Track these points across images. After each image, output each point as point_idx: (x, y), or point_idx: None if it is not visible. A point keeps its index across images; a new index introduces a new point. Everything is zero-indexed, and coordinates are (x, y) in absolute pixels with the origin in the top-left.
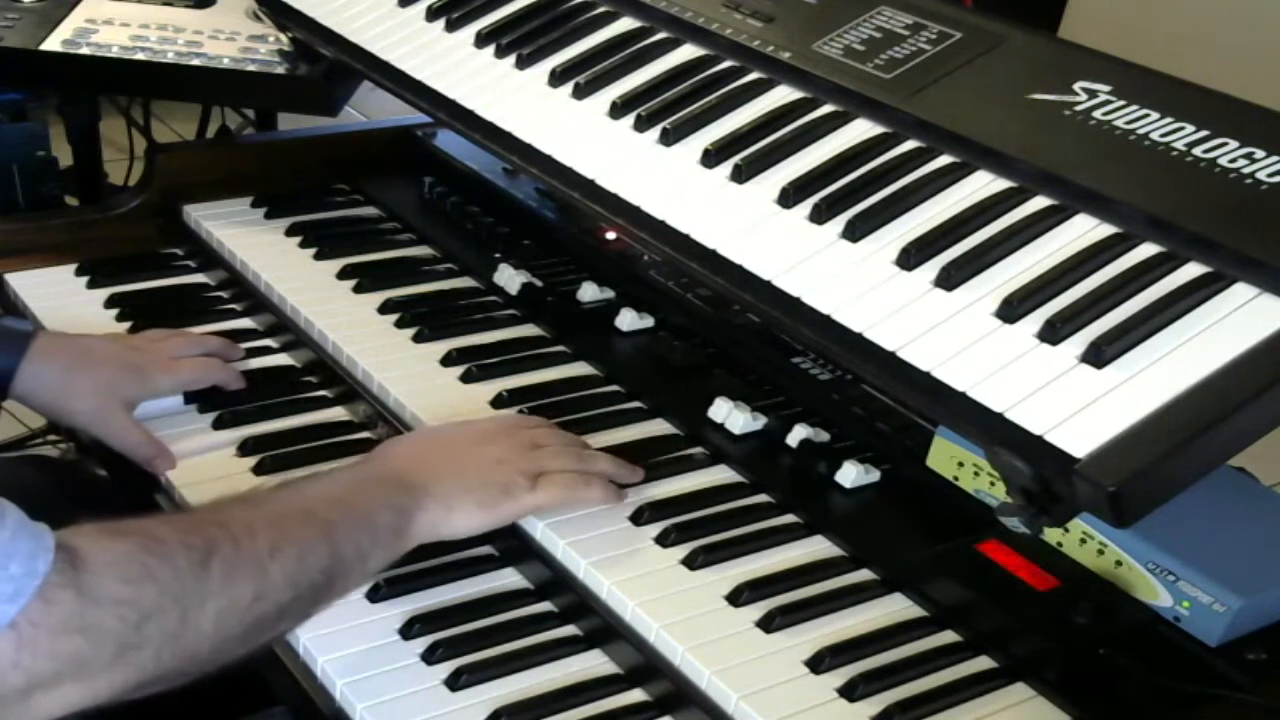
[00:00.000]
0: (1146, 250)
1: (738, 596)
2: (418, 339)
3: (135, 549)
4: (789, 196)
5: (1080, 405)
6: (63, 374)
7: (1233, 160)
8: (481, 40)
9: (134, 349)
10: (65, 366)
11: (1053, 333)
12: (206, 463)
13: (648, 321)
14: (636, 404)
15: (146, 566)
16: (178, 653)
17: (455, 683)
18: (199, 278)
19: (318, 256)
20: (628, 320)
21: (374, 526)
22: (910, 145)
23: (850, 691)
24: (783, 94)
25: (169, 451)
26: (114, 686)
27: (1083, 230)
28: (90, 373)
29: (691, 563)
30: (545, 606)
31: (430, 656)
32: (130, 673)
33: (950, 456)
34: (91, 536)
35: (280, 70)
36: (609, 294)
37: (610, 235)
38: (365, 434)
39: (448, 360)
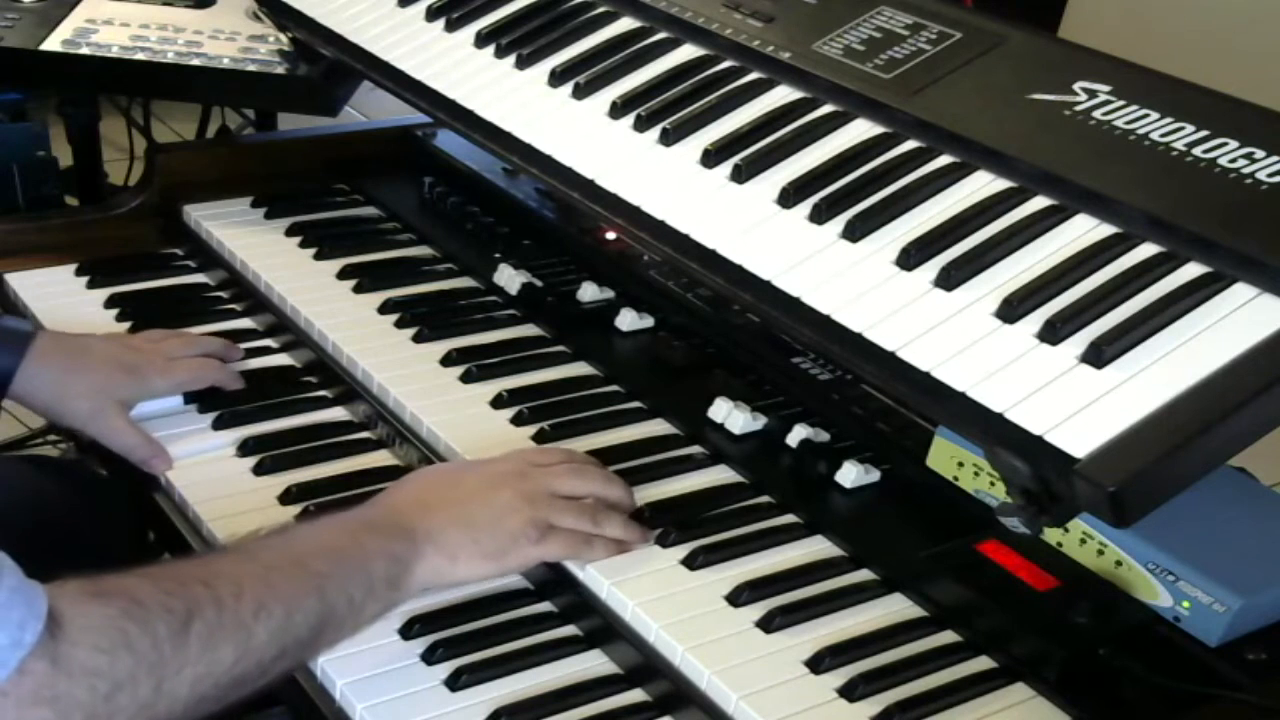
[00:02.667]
0: (1146, 250)
1: (738, 596)
2: (418, 339)
3: (115, 614)
4: (789, 196)
5: (1080, 405)
6: (59, 374)
7: (1233, 160)
8: (481, 40)
9: (131, 349)
10: (62, 367)
11: (1053, 333)
12: (206, 463)
13: (648, 321)
14: (636, 404)
15: (125, 633)
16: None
17: (455, 683)
18: (199, 278)
19: (318, 256)
20: (628, 320)
21: (369, 577)
22: (910, 145)
23: (850, 691)
24: (783, 94)
25: (165, 452)
26: None
27: (1083, 230)
28: (86, 373)
29: (691, 563)
30: (545, 606)
31: (430, 656)
32: None
33: (950, 456)
34: (73, 599)
35: (280, 70)
36: (609, 294)
37: (610, 235)
38: (365, 434)
39: (448, 360)
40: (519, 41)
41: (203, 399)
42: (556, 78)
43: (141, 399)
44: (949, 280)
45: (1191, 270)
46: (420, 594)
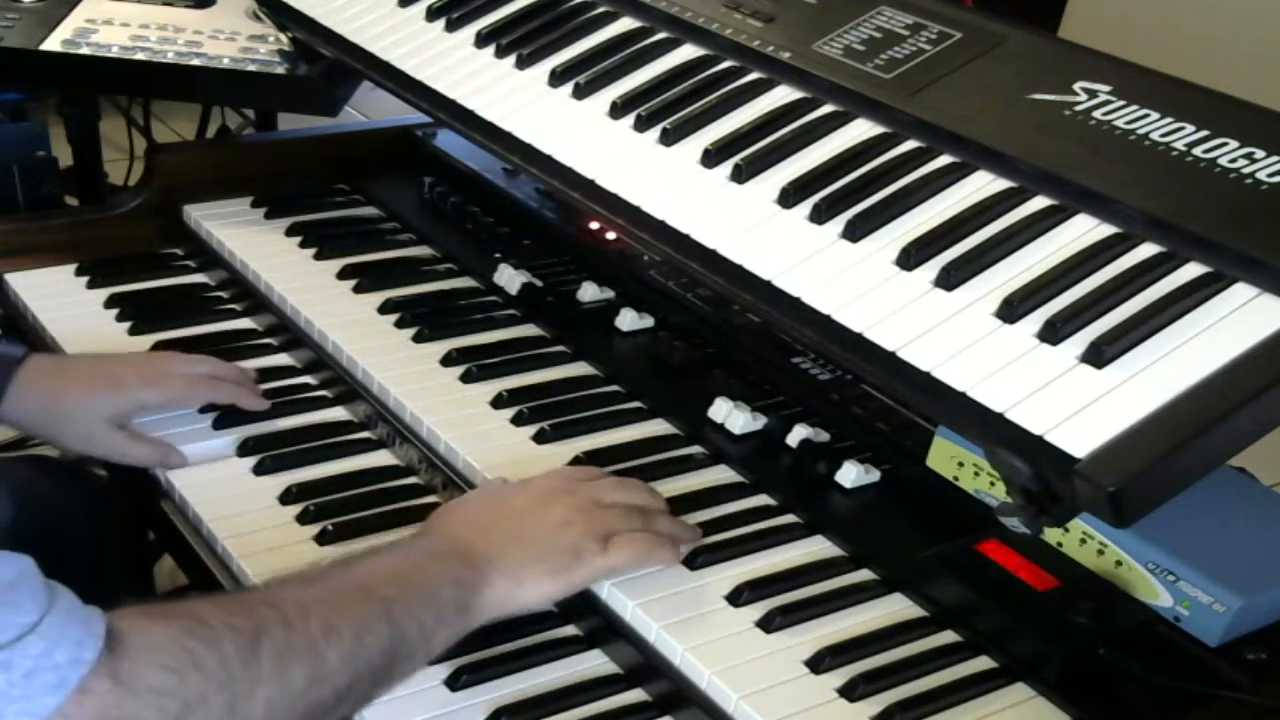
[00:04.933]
0: (1146, 250)
1: (738, 596)
2: (418, 339)
3: (179, 633)
4: (789, 196)
5: (1080, 405)
6: (44, 399)
7: (1233, 160)
8: (481, 40)
9: (119, 363)
10: (46, 391)
11: (1053, 333)
12: (207, 463)
13: (648, 321)
14: (636, 404)
15: (191, 652)
16: None
17: (455, 683)
18: (199, 278)
19: (318, 256)
20: (628, 320)
21: (438, 603)
22: (910, 145)
23: (850, 691)
24: (783, 94)
25: (175, 450)
26: None
27: (1083, 230)
28: (66, 396)
29: (691, 563)
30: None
31: None
32: None
33: (950, 456)
34: (133, 619)
35: (280, 70)
36: (609, 294)
37: (610, 235)
38: (365, 434)
39: (448, 360)
40: (519, 41)
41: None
42: (557, 78)
43: (129, 411)
44: (949, 280)
45: (1191, 270)
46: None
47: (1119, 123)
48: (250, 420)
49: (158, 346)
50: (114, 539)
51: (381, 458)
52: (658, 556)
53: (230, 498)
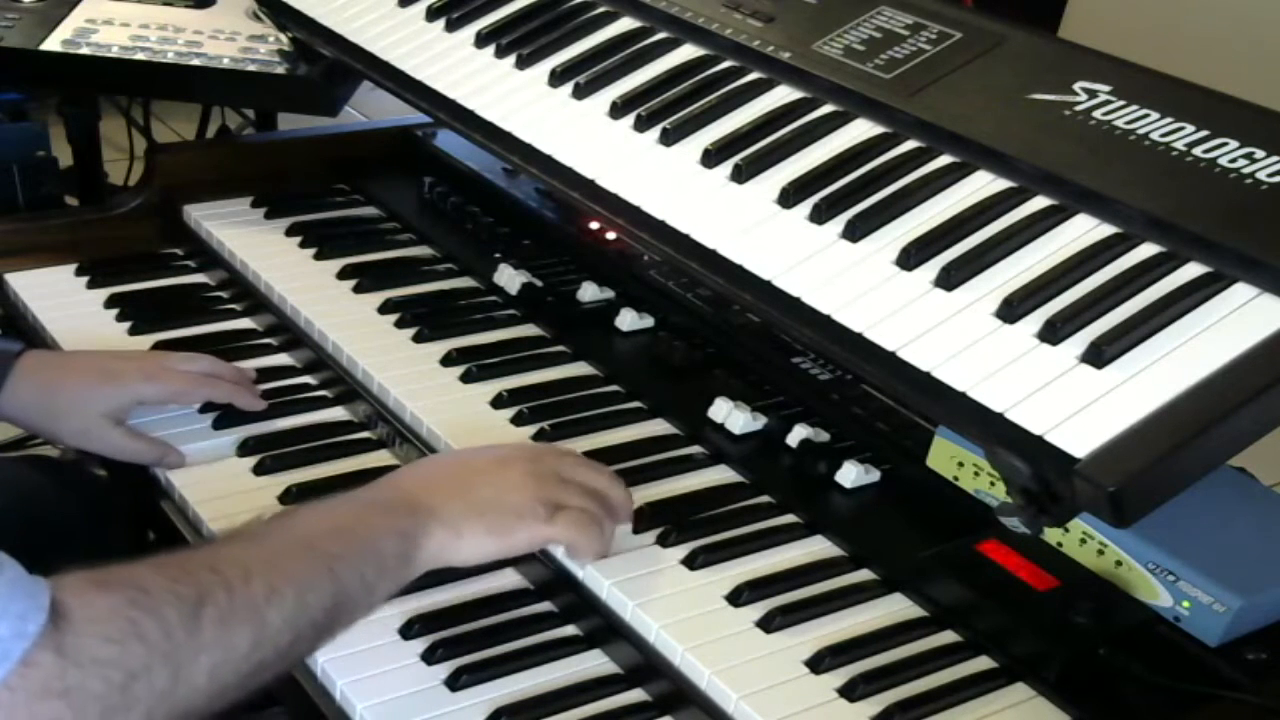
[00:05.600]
0: (1146, 250)
1: (738, 596)
2: (418, 339)
3: (121, 603)
4: (789, 196)
5: (1080, 405)
6: (40, 395)
7: (1233, 160)
8: (481, 40)
9: (116, 357)
10: (43, 386)
11: (1053, 333)
12: (207, 463)
13: (648, 321)
14: (636, 404)
15: (133, 622)
16: (171, 711)
17: (455, 683)
18: (199, 278)
19: (318, 256)
20: (628, 320)
21: (379, 555)
22: (910, 145)
23: (850, 691)
24: (783, 94)
25: (174, 448)
26: None
27: (1083, 230)
28: (64, 391)
29: (691, 563)
30: (545, 606)
31: (430, 656)
32: None
33: (950, 456)
34: (76, 590)
35: (280, 70)
36: (609, 294)
37: (610, 235)
38: (365, 434)
39: (448, 360)
40: (519, 41)
41: (209, 406)
42: (557, 78)
43: (127, 406)
44: (949, 280)
45: (1191, 270)
46: (425, 572)
47: (1119, 123)
48: (250, 420)
49: (158, 346)
50: (113, 539)
51: (381, 458)
52: (593, 543)
53: (230, 497)
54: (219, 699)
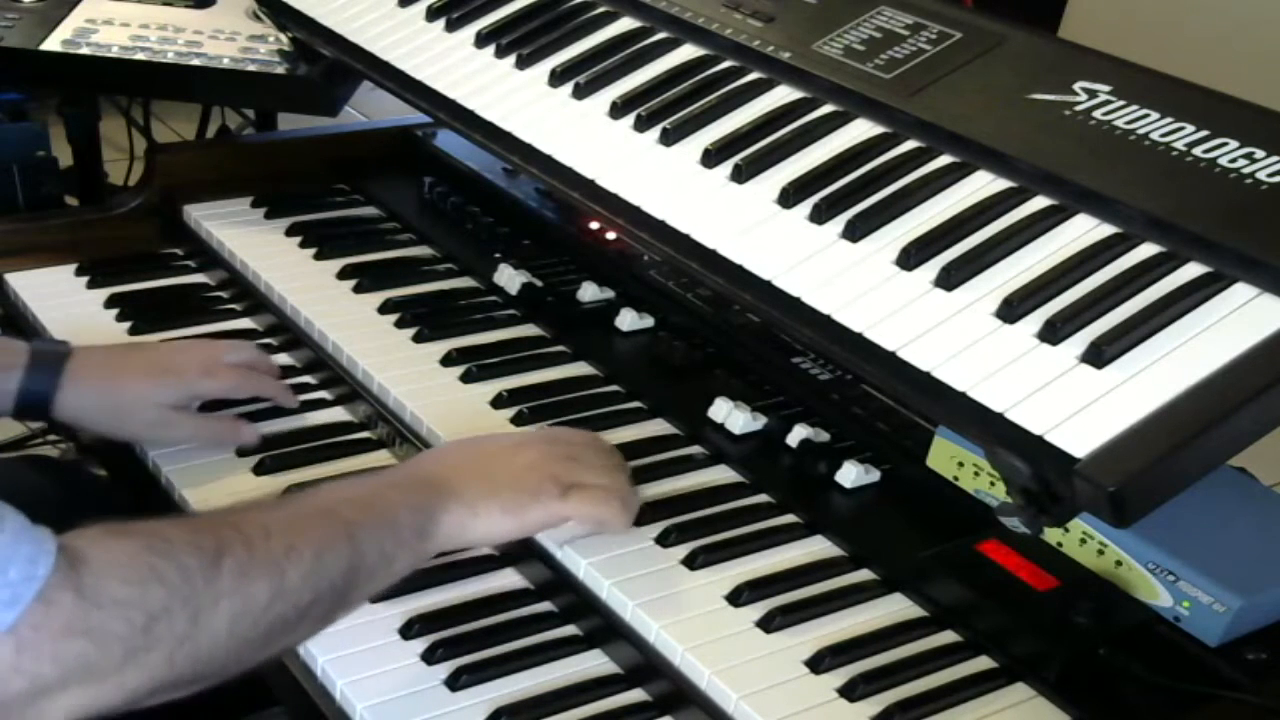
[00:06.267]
0: (1146, 250)
1: (738, 596)
2: (418, 339)
3: (140, 549)
4: (789, 196)
5: (1080, 405)
6: (102, 396)
7: (1233, 160)
8: (481, 40)
9: (172, 350)
10: (104, 386)
11: (1053, 333)
12: (206, 463)
13: (648, 321)
14: (636, 404)
15: (152, 567)
16: (192, 656)
17: (455, 683)
18: (199, 278)
19: (318, 256)
20: (628, 320)
21: (397, 528)
22: (910, 145)
23: (850, 691)
24: (783, 94)
25: (246, 424)
26: (124, 690)
27: (1083, 230)
28: (126, 390)
29: (691, 563)
30: (545, 606)
31: (430, 656)
32: (141, 676)
33: (950, 456)
34: (94, 538)
35: (280, 70)
36: (609, 294)
37: (610, 235)
38: (365, 434)
39: (448, 360)
40: (519, 41)
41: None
42: (557, 78)
43: (191, 400)
44: (949, 280)
45: (1191, 270)
46: (445, 550)
47: (1119, 123)
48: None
49: None
50: None
51: (381, 458)
52: (614, 515)
53: (230, 498)
54: (240, 652)
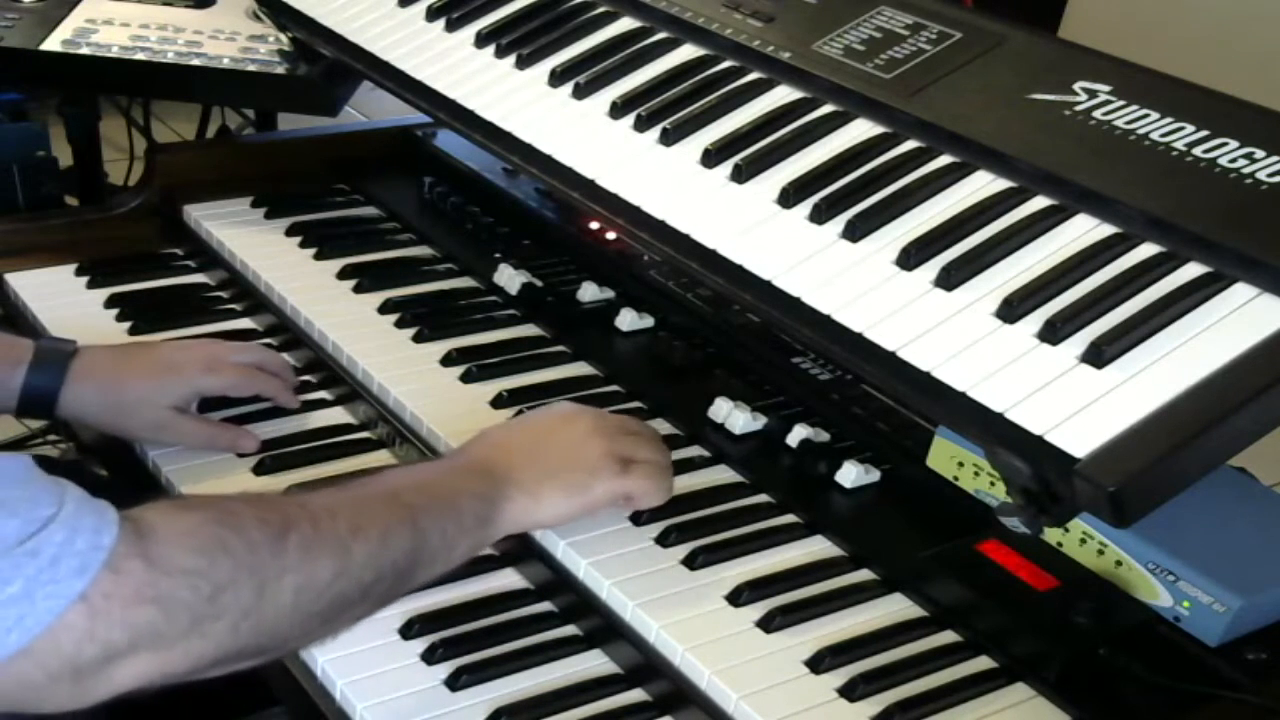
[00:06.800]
0: (1146, 250)
1: (738, 596)
2: (418, 339)
3: (207, 521)
4: (789, 196)
5: (1080, 405)
6: (103, 393)
7: (1233, 160)
8: (481, 40)
9: (175, 349)
10: (103, 385)
11: (1053, 333)
12: (207, 463)
13: (648, 321)
14: (636, 404)
15: (219, 538)
16: (257, 627)
17: (455, 683)
18: (199, 278)
19: (318, 256)
20: (628, 320)
21: (459, 513)
22: (910, 145)
23: (850, 691)
24: (783, 94)
25: (247, 431)
26: (190, 658)
27: (1083, 230)
28: (129, 388)
29: (691, 563)
30: (545, 606)
31: (430, 656)
32: (207, 645)
33: (950, 456)
34: (162, 510)
35: (280, 70)
36: (609, 294)
37: (610, 235)
38: (365, 434)
39: (448, 360)
40: (519, 41)
41: (204, 402)
42: (557, 78)
43: (191, 397)
44: (949, 280)
45: (1191, 270)
46: (507, 536)
47: (1119, 123)
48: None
49: None
50: None
51: (381, 458)
52: (666, 495)
53: None
54: (304, 627)
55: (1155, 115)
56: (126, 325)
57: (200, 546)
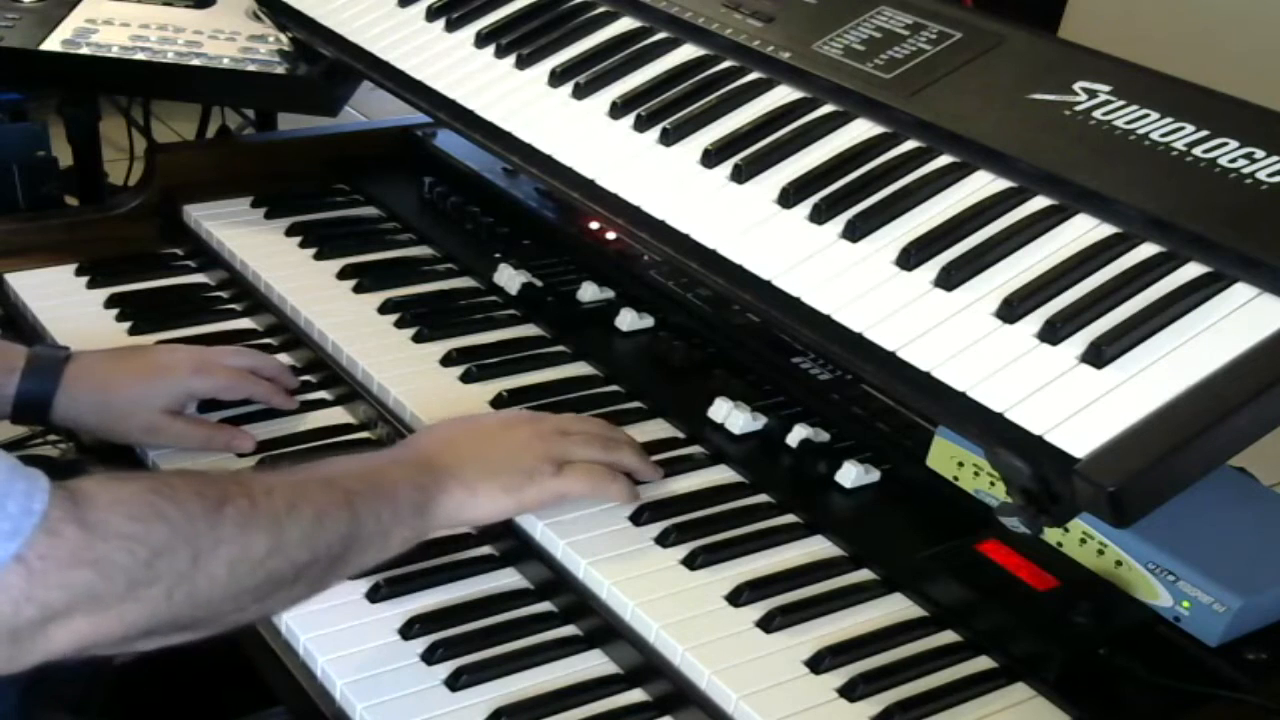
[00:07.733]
0: (1146, 250)
1: (738, 596)
2: (418, 339)
3: (144, 490)
4: (789, 196)
5: (1080, 405)
6: (95, 397)
7: (1233, 160)
8: (481, 40)
9: (167, 351)
10: (98, 388)
11: (1053, 333)
12: (207, 463)
13: (648, 321)
14: (636, 404)
15: (155, 507)
16: (191, 596)
17: (455, 683)
18: (199, 278)
19: (318, 256)
20: (628, 320)
21: (396, 502)
22: (910, 145)
23: (850, 691)
24: (783, 94)
25: (241, 431)
26: (124, 623)
27: (1083, 230)
28: (120, 392)
29: (691, 563)
30: (545, 606)
31: (430, 656)
32: (142, 610)
33: (950, 456)
34: (97, 479)
35: (280, 70)
36: (609, 294)
37: (610, 235)
38: (365, 434)
39: (448, 360)
40: (519, 41)
41: (204, 404)
42: (556, 78)
43: (183, 399)
44: (949, 280)
45: (1191, 270)
46: (444, 529)
47: (1119, 123)
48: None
49: None
50: None
51: None
52: (607, 488)
53: None
54: (236, 601)
55: (1155, 115)
56: (126, 325)
57: (136, 513)
